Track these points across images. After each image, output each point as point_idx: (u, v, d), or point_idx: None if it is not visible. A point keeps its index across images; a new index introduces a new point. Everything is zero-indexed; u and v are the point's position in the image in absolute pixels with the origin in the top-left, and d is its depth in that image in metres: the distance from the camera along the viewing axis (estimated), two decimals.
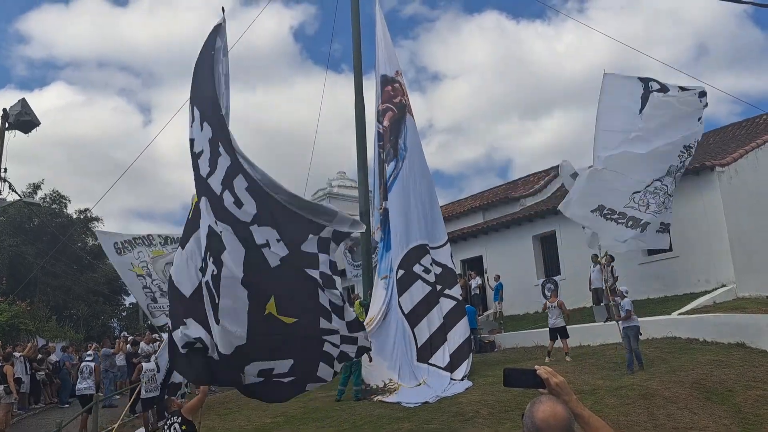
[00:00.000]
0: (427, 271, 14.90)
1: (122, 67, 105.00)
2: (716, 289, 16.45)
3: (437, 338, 14.09)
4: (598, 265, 17.13)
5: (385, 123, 16.47)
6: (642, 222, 14.16)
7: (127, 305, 44.76)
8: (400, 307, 14.41)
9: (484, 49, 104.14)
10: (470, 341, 14.67)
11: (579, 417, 2.14)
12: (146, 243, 18.45)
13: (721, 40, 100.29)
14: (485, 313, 21.18)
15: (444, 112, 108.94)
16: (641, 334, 12.78)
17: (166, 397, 8.26)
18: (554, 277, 20.79)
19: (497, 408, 10.76)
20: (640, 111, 13.90)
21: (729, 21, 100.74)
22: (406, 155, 15.99)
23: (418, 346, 13.98)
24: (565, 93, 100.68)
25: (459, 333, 14.31)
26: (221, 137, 6.69)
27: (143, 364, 14.29)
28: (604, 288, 16.90)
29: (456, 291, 15.10)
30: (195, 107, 7.07)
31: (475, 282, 21.41)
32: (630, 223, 14.11)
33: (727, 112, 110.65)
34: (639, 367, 12.01)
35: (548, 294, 20.25)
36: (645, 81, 14.14)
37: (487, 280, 21.64)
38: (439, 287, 14.79)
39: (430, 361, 13.75)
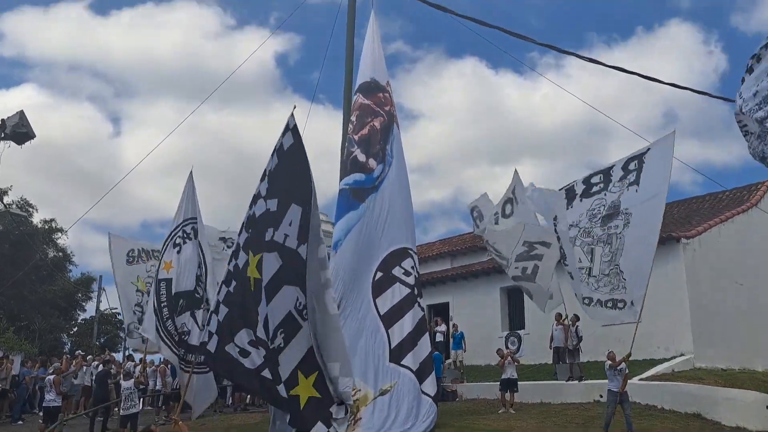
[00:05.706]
0: (407, 273, 15.00)
1: (95, 73, 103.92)
2: (675, 357, 16.89)
3: (408, 342, 14.12)
4: (561, 325, 17.25)
5: (377, 125, 16.77)
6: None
7: (79, 321, 43.53)
8: (376, 308, 14.46)
9: (461, 94, 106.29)
10: (431, 358, 14.66)
11: None
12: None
13: (689, 110, 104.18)
14: (446, 362, 21.31)
15: (416, 151, 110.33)
16: (601, 396, 13.03)
17: (151, 427, 8.32)
18: (518, 331, 21.12)
19: None
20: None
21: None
22: (393, 162, 16.42)
23: (392, 347, 13.98)
24: (536, 143, 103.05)
25: (425, 345, 14.43)
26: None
27: (122, 382, 14.66)
28: (564, 347, 17.21)
29: (422, 301, 15.23)
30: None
31: (440, 329, 21.57)
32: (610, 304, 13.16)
33: (691, 180, 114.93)
34: None
35: (511, 347, 20.58)
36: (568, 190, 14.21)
37: (453, 327, 21.78)
38: (415, 291, 14.93)
39: (402, 362, 13.80)
